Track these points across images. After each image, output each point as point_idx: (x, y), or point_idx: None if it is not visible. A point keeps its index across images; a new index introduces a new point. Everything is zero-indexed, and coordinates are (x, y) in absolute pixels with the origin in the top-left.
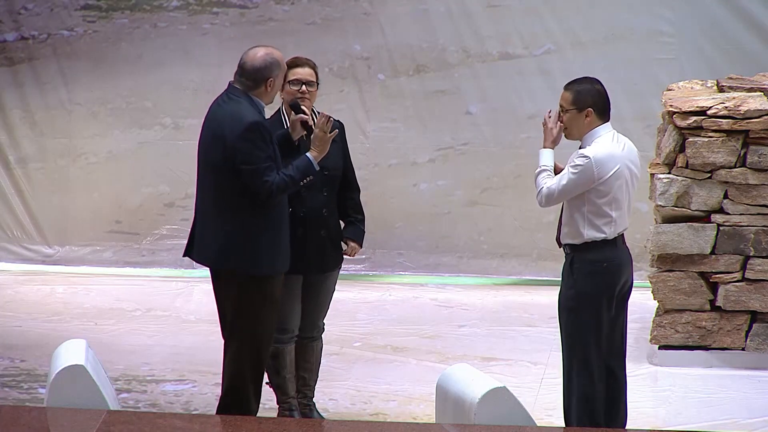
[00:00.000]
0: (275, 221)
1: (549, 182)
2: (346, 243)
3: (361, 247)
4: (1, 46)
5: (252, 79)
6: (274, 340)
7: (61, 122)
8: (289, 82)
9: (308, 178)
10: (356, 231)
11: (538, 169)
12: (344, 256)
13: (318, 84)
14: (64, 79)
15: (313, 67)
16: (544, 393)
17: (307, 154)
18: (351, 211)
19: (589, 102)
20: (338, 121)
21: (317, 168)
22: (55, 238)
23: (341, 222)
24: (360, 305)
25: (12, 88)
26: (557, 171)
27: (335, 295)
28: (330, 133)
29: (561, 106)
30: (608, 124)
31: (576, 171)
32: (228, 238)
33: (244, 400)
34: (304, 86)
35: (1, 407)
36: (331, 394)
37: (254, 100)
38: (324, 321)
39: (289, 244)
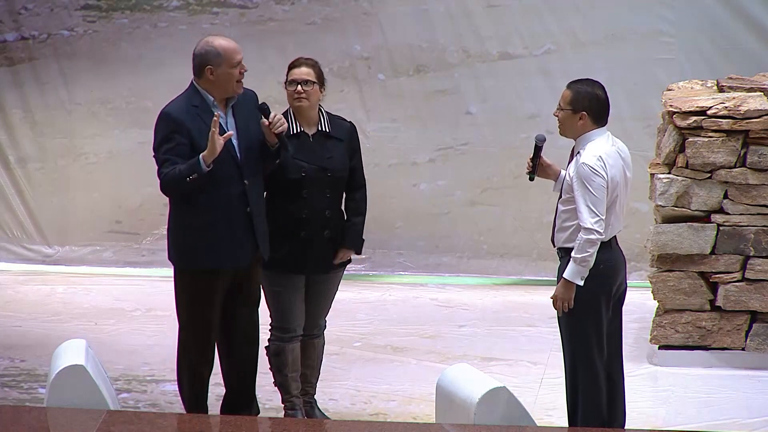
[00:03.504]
0: (198, 216)
1: (583, 221)
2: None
3: (359, 250)
4: (1, 46)
5: (194, 67)
6: (275, 338)
7: (61, 122)
8: (287, 83)
9: (192, 176)
10: (352, 241)
11: (572, 260)
12: (351, 257)
13: (318, 83)
14: (64, 79)
15: (313, 66)
16: (544, 393)
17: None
18: (351, 215)
19: (584, 105)
20: (349, 122)
21: (205, 168)
22: (55, 238)
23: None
24: (360, 305)
25: (12, 88)
26: (555, 172)
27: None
28: (223, 134)
29: (559, 103)
30: (604, 128)
31: (591, 177)
32: (168, 229)
33: (183, 398)
34: (299, 86)
35: (1, 407)
36: (331, 394)
37: (199, 90)
38: (326, 319)
39: (232, 241)
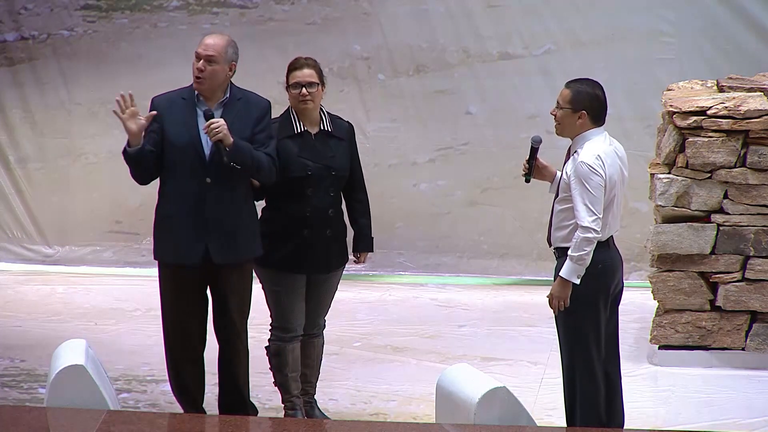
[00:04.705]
0: (160, 206)
1: (581, 219)
2: (356, 256)
3: (372, 248)
4: (1, 46)
5: None
6: (275, 338)
7: (61, 122)
8: (290, 86)
9: (123, 154)
10: (366, 243)
11: (568, 258)
12: (351, 258)
13: (320, 83)
14: (64, 79)
15: (314, 66)
16: (544, 393)
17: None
18: (358, 215)
19: (584, 104)
20: (347, 122)
21: (129, 149)
22: (55, 238)
23: (350, 226)
24: (360, 305)
25: (12, 88)
26: (551, 174)
27: (335, 294)
28: (133, 118)
29: (558, 101)
30: (601, 128)
31: (589, 176)
32: None
33: (173, 392)
34: (303, 89)
35: (1, 407)
36: (331, 394)
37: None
38: (325, 318)
39: (190, 238)
